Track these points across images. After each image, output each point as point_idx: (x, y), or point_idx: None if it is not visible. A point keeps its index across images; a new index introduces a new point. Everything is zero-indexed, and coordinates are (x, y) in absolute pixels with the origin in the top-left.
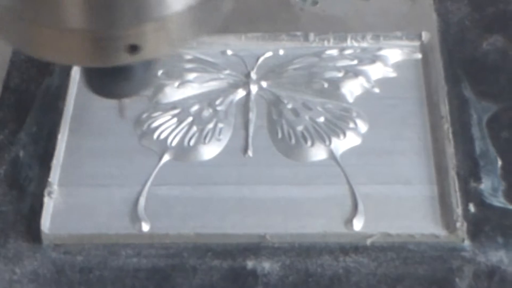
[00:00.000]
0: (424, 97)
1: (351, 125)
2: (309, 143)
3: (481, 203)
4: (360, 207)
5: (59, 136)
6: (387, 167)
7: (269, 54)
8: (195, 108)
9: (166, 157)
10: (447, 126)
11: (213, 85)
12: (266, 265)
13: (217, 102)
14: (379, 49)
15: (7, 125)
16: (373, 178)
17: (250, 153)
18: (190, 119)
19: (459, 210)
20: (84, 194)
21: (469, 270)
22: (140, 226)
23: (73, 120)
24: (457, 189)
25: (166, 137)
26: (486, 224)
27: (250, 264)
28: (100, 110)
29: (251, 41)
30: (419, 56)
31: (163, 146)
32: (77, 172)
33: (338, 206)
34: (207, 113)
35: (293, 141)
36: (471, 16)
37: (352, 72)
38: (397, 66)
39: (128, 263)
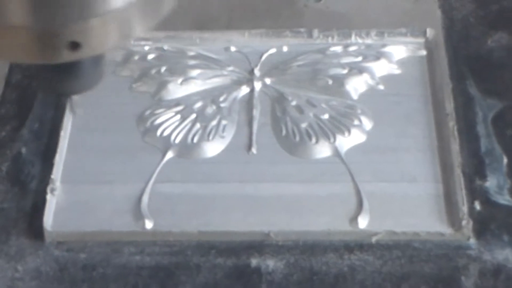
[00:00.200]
0: (429, 94)
1: (356, 122)
2: (313, 140)
3: (487, 201)
4: (365, 204)
5: (62, 133)
6: (392, 165)
7: (272, 50)
8: (198, 105)
9: (169, 154)
10: (452, 124)
11: (216, 81)
12: (270, 263)
13: (221, 99)
14: (384, 45)
15: (9, 121)
16: (378, 176)
17: (254, 150)
18: (193, 116)
19: (464, 208)
20: (87, 191)
21: (474, 269)
22: (143, 224)
23: (76, 116)
24: (462, 187)
25: (170, 134)
26: (492, 222)
27: (254, 262)
28: (103, 106)
29: (255, 38)
30: (423, 52)
31: (166, 143)
32: (80, 169)
33: (343, 203)
34: (210, 110)
35: (297, 138)
36: (475, 13)
37: (356, 69)
38: (401, 63)
39: (131, 260)
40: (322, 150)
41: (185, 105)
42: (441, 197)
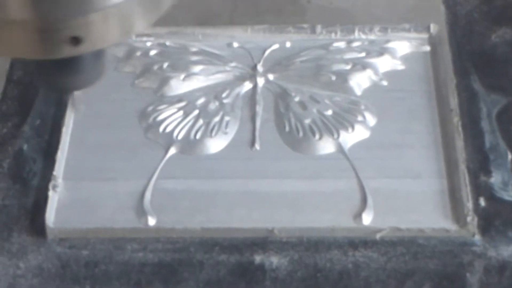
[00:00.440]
0: (433, 90)
1: (360, 118)
2: (317, 136)
3: (492, 197)
4: (369, 201)
5: (64, 129)
6: (396, 161)
7: (275, 46)
8: (201, 101)
9: (172, 151)
10: (456, 119)
11: (219, 77)
12: (274, 260)
13: (224, 95)
14: (387, 41)
15: (10, 118)
16: (382, 172)
17: (257, 146)
18: (196, 112)
19: (469, 204)
20: (89, 187)
21: (479, 265)
22: (146, 220)
23: (78, 113)
24: (467, 183)
25: (172, 130)
26: (497, 218)
27: (258, 258)
28: (105, 103)
29: (258, 34)
30: (427, 48)
31: (169, 139)
32: (82, 165)
33: (347, 200)
34: (213, 106)
35: (300, 134)
36: (479, 8)
37: (360, 65)
38: (405, 59)
39: (134, 257)
40: (325, 146)
41: (187, 101)
42: (446, 193)
